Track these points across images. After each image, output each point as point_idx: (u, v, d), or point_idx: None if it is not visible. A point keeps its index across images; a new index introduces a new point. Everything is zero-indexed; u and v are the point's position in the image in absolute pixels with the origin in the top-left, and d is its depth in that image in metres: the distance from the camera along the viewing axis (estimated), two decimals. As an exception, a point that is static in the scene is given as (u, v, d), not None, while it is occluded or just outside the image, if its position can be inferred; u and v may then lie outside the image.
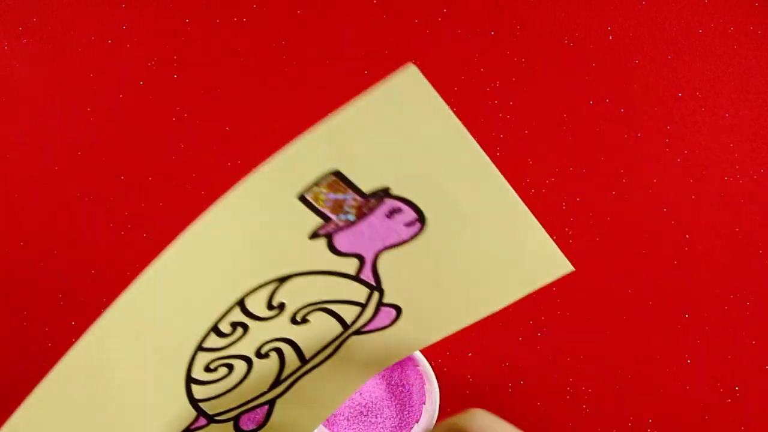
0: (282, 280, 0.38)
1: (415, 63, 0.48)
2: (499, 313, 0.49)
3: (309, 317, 0.40)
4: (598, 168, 0.49)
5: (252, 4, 0.49)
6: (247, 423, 0.42)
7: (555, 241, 0.49)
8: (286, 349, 0.40)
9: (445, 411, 0.49)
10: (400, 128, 0.35)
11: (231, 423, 0.41)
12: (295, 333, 0.40)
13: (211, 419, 0.40)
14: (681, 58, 0.50)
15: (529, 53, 0.49)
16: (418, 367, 0.47)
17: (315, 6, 0.49)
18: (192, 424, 0.39)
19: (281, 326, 0.40)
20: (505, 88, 0.50)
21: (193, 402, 0.39)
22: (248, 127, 0.50)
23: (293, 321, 0.40)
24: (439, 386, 0.48)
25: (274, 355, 0.40)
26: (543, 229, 0.38)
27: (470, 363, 0.49)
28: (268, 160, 0.32)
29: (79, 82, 0.49)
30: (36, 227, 0.49)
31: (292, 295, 0.39)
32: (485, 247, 0.39)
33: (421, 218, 0.38)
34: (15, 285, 0.49)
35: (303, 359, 0.41)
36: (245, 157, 0.50)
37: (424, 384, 0.47)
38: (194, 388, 0.38)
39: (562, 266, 0.39)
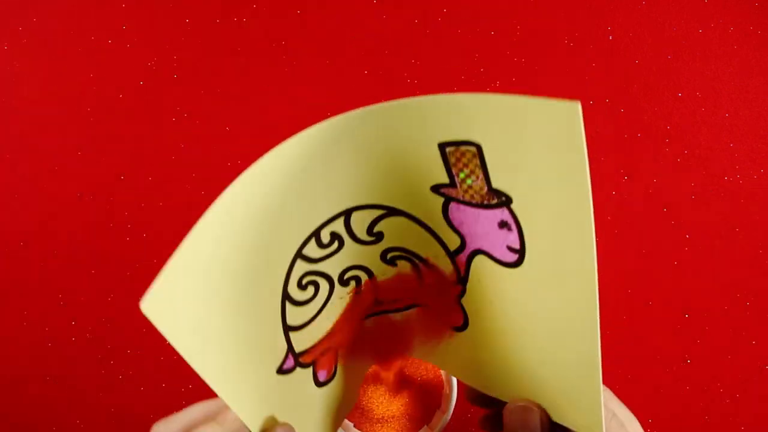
0: (392, 211, 0.38)
1: (415, 63, 0.49)
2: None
3: (397, 261, 0.39)
4: (598, 168, 0.49)
5: (252, 4, 0.49)
6: (322, 374, 0.41)
7: (555, 241, 0.49)
8: (365, 279, 0.39)
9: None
10: (547, 151, 0.34)
11: (310, 371, 0.40)
12: (379, 269, 0.40)
13: (296, 359, 0.39)
14: (681, 58, 0.50)
15: (529, 53, 0.49)
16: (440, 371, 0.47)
17: (315, 6, 0.49)
18: (283, 363, 0.38)
19: (371, 256, 0.39)
20: (506, 88, 0.50)
21: (285, 329, 0.38)
22: (248, 127, 0.50)
23: (382, 257, 0.39)
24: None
25: (352, 283, 0.39)
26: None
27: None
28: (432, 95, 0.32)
29: (79, 82, 0.49)
30: (36, 227, 0.49)
31: (393, 232, 0.39)
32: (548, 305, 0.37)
33: (521, 254, 0.37)
34: (15, 285, 0.49)
35: (376, 301, 0.41)
36: (245, 157, 0.50)
37: (443, 388, 0.47)
38: (288, 308, 0.38)
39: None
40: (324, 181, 0.36)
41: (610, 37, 0.49)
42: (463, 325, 0.40)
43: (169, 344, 0.27)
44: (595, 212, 0.52)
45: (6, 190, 0.49)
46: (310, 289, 0.38)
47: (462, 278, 0.39)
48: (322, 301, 0.39)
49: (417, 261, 0.40)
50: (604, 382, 0.48)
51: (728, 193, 0.49)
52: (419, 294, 0.40)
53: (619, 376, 0.49)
